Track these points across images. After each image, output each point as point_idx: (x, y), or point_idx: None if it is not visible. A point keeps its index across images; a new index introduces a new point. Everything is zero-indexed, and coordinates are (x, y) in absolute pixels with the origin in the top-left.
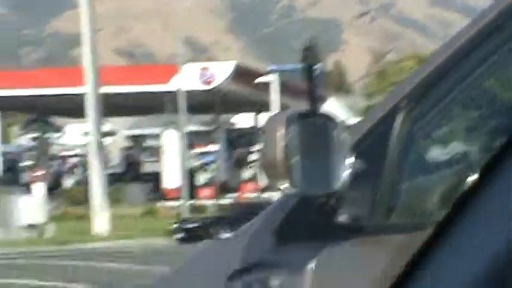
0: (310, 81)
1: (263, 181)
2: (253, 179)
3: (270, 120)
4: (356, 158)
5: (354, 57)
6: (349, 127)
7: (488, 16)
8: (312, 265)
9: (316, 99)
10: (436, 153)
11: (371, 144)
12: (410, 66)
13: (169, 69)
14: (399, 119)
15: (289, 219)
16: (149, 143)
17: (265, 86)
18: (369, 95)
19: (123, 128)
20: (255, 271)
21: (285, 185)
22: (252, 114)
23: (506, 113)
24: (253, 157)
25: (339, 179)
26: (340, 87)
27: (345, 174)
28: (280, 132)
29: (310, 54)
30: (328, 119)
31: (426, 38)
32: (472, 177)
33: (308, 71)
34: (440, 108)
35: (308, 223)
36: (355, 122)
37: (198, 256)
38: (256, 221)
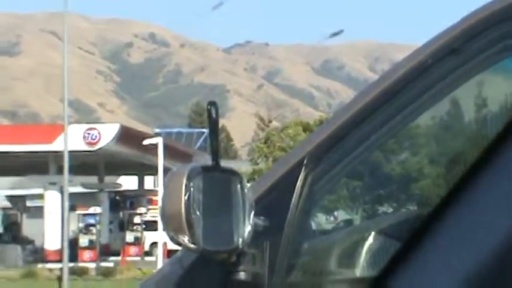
0: (214, 135)
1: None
2: (136, 242)
3: (172, 173)
4: (258, 214)
5: (239, 123)
6: (251, 183)
7: (377, 89)
8: None
9: (218, 153)
10: (322, 220)
11: (273, 200)
12: (294, 133)
13: (54, 130)
14: (301, 177)
15: (188, 275)
16: (31, 203)
17: (150, 148)
18: (254, 160)
19: (2, 188)
20: None
21: (185, 240)
22: (136, 177)
23: (390, 183)
24: (137, 220)
25: (240, 235)
26: (226, 152)
27: (247, 230)
28: (183, 185)
29: (214, 110)
30: (231, 173)
31: (311, 106)
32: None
33: (212, 125)
34: (334, 173)
35: (208, 280)
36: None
37: None
38: (155, 276)
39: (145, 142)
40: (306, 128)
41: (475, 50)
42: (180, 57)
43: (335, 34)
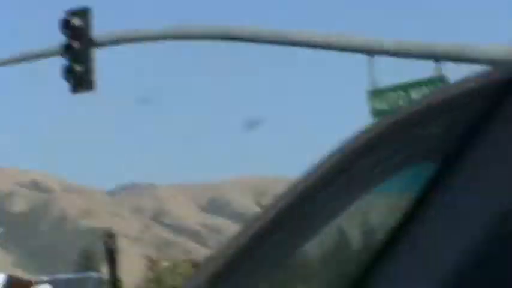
0: (112, 265)
1: None
2: None
3: None
4: None
5: (128, 265)
6: None
7: (258, 223)
8: None
9: (117, 283)
10: None
11: None
12: (183, 271)
13: None
14: None
15: None
16: None
17: None
18: None
19: None
20: None
21: None
22: None
23: None
24: None
25: None
26: None
27: None
28: None
29: (110, 241)
30: None
31: (200, 244)
32: None
33: (110, 254)
34: None
35: None
36: None
37: None
38: None
39: None
40: (196, 266)
41: (359, 172)
42: (64, 203)
43: None
